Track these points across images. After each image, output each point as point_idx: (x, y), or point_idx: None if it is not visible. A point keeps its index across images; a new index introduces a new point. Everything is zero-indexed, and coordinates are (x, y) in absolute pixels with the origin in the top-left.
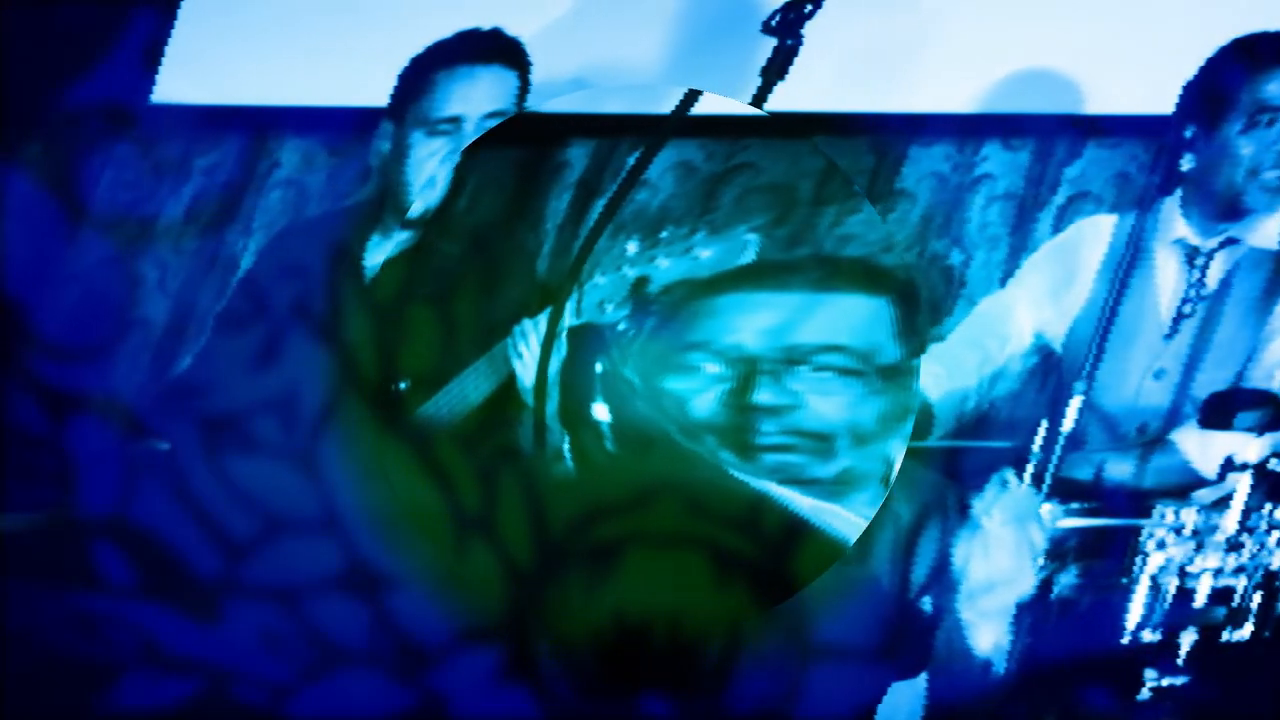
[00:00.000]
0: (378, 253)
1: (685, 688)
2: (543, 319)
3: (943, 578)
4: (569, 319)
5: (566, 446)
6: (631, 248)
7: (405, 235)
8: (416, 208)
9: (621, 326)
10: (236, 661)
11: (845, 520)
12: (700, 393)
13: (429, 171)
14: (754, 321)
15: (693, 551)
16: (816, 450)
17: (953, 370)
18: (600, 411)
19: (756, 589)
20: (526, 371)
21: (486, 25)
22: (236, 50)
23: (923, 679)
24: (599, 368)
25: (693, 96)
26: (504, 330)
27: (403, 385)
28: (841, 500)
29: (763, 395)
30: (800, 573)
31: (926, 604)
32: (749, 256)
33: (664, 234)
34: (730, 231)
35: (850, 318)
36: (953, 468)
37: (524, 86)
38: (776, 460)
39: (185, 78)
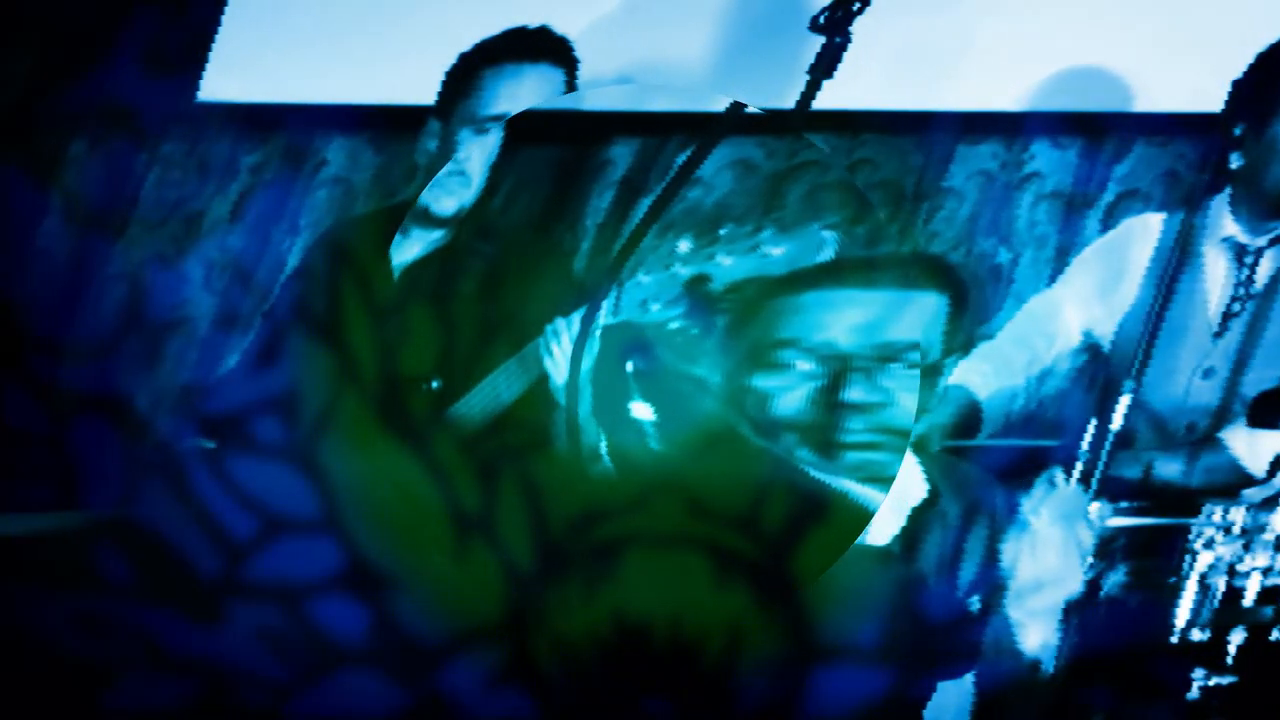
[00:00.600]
0: (404, 251)
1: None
2: (576, 318)
3: (991, 577)
4: (605, 318)
5: (604, 446)
6: (684, 246)
7: (436, 234)
8: (450, 206)
9: (675, 325)
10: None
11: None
12: (788, 390)
13: (476, 169)
14: (844, 318)
15: (733, 550)
16: (900, 448)
17: (1001, 369)
18: (641, 410)
19: (803, 588)
20: (558, 370)
21: (534, 23)
22: (284, 48)
23: (970, 678)
24: (641, 366)
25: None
26: (537, 329)
27: (434, 384)
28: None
29: (854, 393)
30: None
31: (974, 603)
32: (827, 254)
33: (723, 231)
34: (803, 229)
35: (922, 315)
36: (1001, 466)
37: (570, 84)
38: (861, 458)
39: (232, 76)
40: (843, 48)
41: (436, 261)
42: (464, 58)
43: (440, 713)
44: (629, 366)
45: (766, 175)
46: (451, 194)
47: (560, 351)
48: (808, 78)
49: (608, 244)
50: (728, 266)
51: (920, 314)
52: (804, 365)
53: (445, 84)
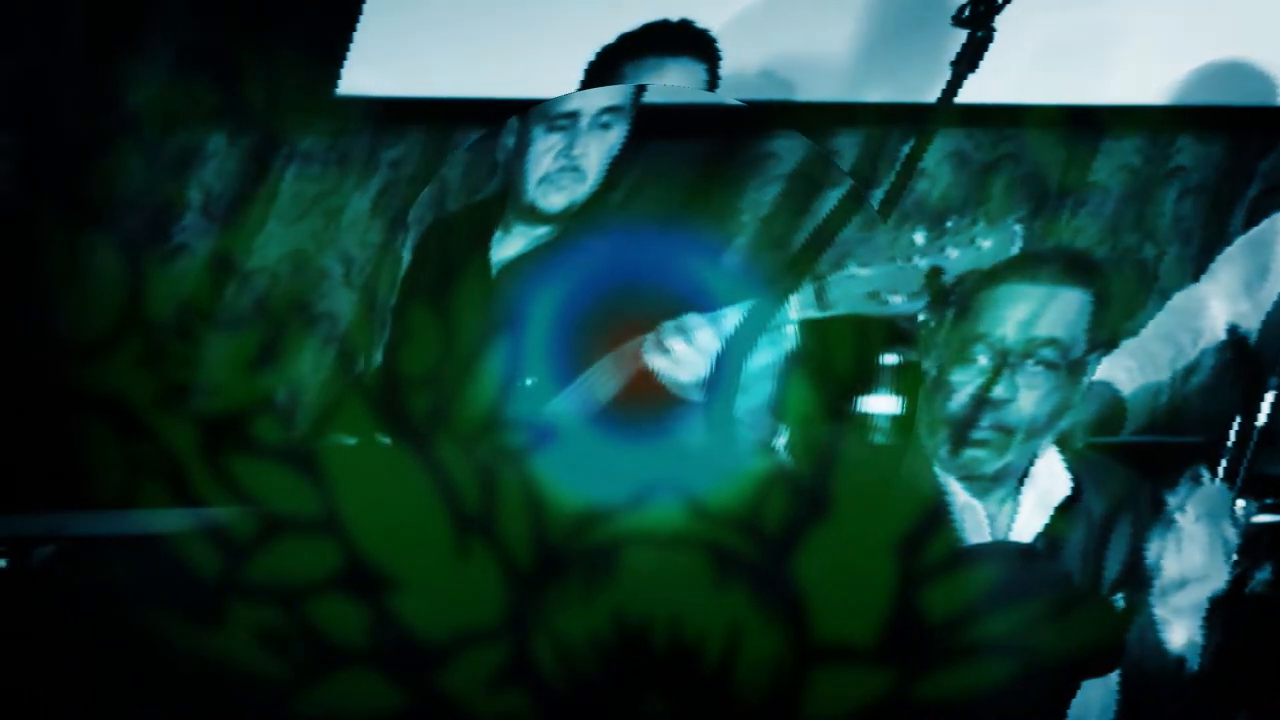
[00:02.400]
0: (505, 248)
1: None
2: (731, 312)
3: (1135, 574)
4: (805, 311)
5: (784, 440)
6: (919, 238)
7: (541, 231)
8: (559, 202)
9: (921, 318)
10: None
11: (980, 520)
12: (968, 385)
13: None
14: (1015, 313)
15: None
16: (1000, 445)
17: (1146, 365)
18: (881, 404)
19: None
20: (685, 368)
21: (675, 17)
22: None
23: (1115, 676)
24: (893, 359)
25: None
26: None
27: (529, 381)
28: (983, 498)
29: (998, 389)
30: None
31: (1119, 600)
32: (1016, 247)
33: (949, 224)
34: (1003, 222)
35: (1064, 310)
36: (1145, 463)
37: (712, 78)
38: (970, 455)
39: (371, 69)
40: (986, 42)
41: (540, 257)
42: (605, 52)
43: (440, 713)
44: (889, 359)
45: (976, 168)
46: (562, 190)
47: (690, 347)
48: (951, 72)
49: (778, 237)
50: (955, 260)
51: (1065, 310)
52: (983, 360)
53: (586, 79)
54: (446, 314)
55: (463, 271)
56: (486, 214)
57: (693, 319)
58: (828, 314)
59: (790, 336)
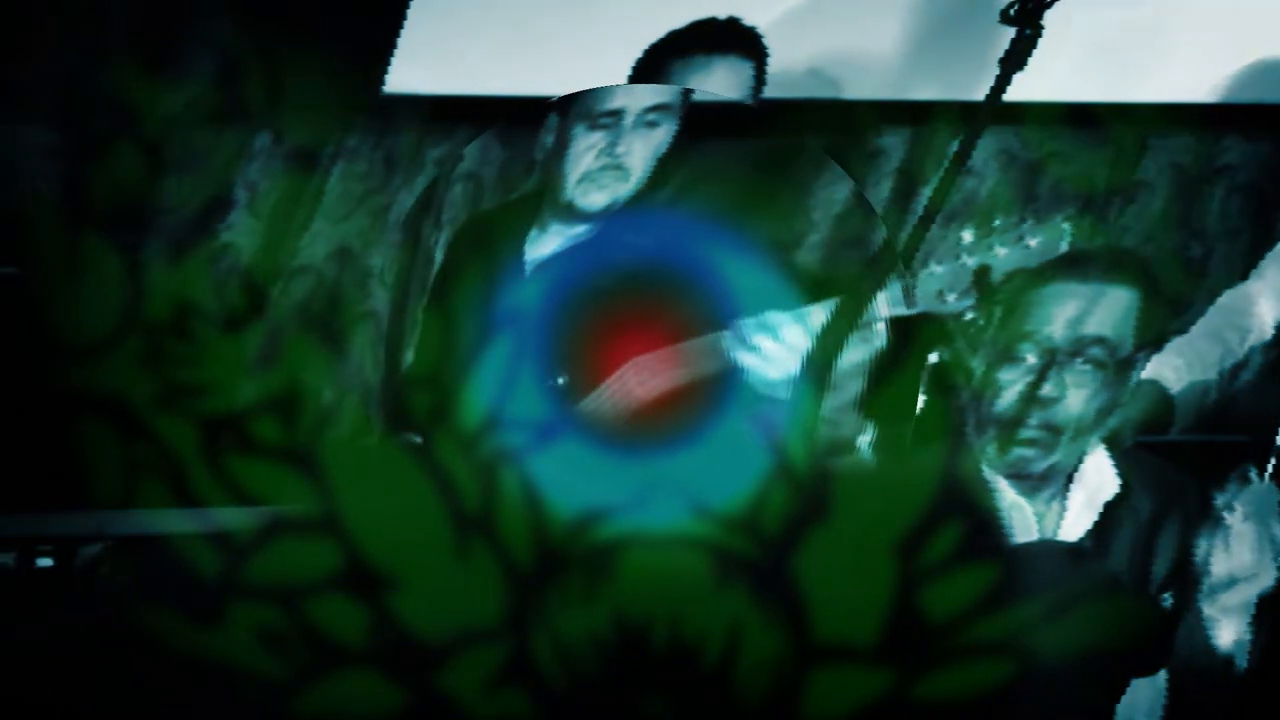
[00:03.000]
0: (540, 247)
1: None
2: (818, 309)
3: (1183, 573)
4: (893, 309)
5: (868, 439)
6: (967, 236)
7: (579, 229)
8: (600, 201)
9: (968, 316)
10: None
11: (1028, 519)
12: (1015, 384)
13: (638, 163)
14: (1063, 312)
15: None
16: (1048, 444)
17: (1193, 363)
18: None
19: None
20: (774, 365)
21: (722, 14)
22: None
23: (1163, 676)
24: (936, 357)
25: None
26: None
27: (560, 380)
28: (1031, 497)
29: (1047, 388)
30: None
31: (1167, 599)
32: (1064, 245)
33: (997, 222)
34: (1051, 220)
35: (1112, 309)
36: (1193, 462)
37: (760, 76)
38: (1018, 454)
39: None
40: (1034, 40)
41: (574, 256)
42: (652, 50)
43: (440, 713)
44: (932, 358)
45: (1023, 166)
46: (604, 189)
47: (777, 344)
48: (998, 70)
49: (850, 236)
50: (1003, 258)
51: (1113, 308)
52: (1031, 359)
53: (633, 75)
54: (476, 314)
55: (496, 271)
56: (522, 212)
57: (776, 315)
58: (913, 312)
59: (880, 334)
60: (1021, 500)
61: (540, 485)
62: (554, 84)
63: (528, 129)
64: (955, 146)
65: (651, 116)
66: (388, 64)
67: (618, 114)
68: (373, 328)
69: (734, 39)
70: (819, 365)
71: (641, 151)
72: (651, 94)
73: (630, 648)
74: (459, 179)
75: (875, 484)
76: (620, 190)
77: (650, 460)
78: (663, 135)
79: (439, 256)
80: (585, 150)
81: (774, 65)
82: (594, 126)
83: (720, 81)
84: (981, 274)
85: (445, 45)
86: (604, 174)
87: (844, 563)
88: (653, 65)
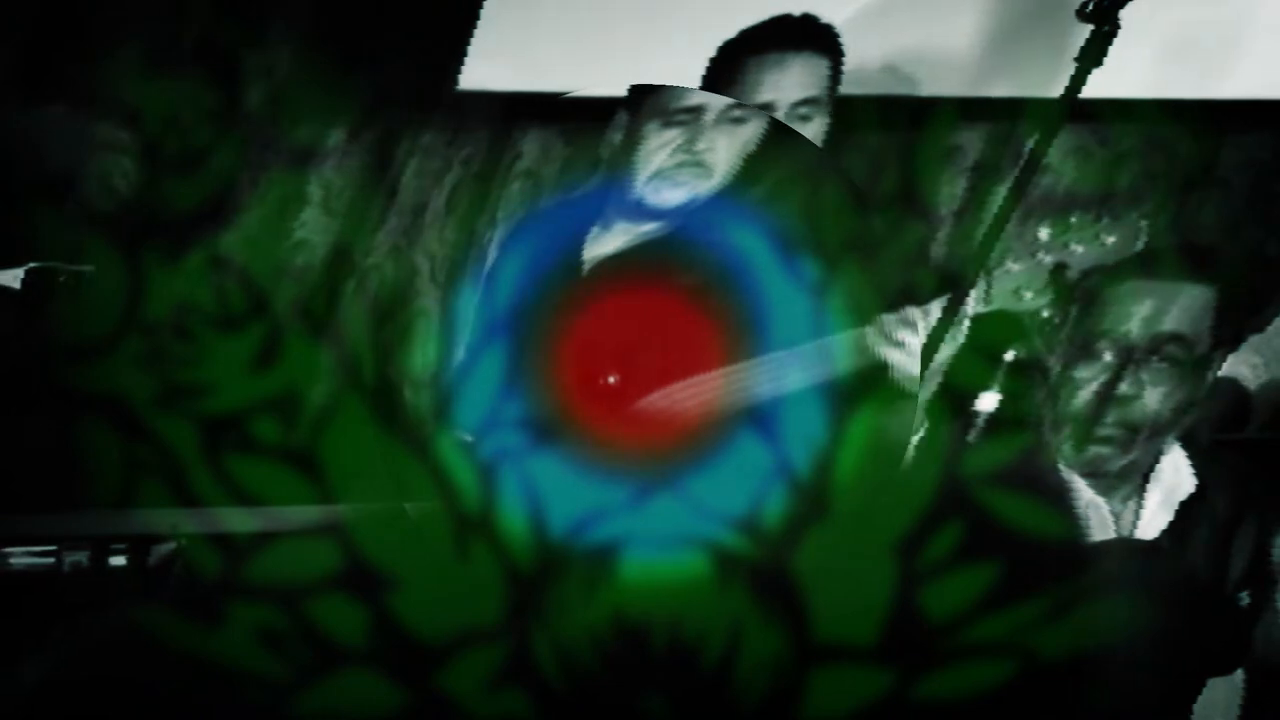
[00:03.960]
0: (601, 244)
1: None
2: (935, 306)
3: (1260, 572)
4: (975, 306)
5: (920, 437)
6: (1043, 233)
7: (648, 227)
8: (677, 198)
9: (1045, 314)
10: None
11: (1105, 517)
12: (1092, 382)
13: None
14: (1140, 310)
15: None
16: (1125, 443)
17: (1271, 360)
18: (987, 401)
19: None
20: (907, 360)
21: (797, 11)
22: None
23: (1240, 675)
24: (1010, 355)
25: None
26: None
27: (611, 379)
28: (1108, 495)
29: (1123, 386)
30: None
31: (1243, 598)
32: (1141, 242)
33: (1074, 219)
34: (1128, 217)
35: (1189, 306)
36: (1271, 460)
37: (835, 73)
38: (1095, 452)
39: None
40: (1111, 36)
41: (647, 253)
42: (726, 47)
43: (440, 713)
44: (1008, 355)
45: (1100, 163)
46: (681, 186)
47: (910, 340)
48: (1075, 67)
49: (967, 231)
50: (1080, 255)
51: (1190, 306)
52: (1108, 356)
53: (707, 73)
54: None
55: (551, 269)
56: (584, 210)
57: (912, 311)
58: (989, 309)
59: (964, 331)
60: (1098, 498)
61: (575, 485)
62: (627, 82)
63: (593, 126)
64: (1032, 144)
65: (737, 113)
66: (462, 60)
67: (697, 110)
68: (425, 326)
69: (809, 36)
70: (925, 362)
71: (726, 149)
72: (801, 87)
73: (632, 647)
74: (517, 176)
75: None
76: (700, 187)
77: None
78: (750, 132)
79: (492, 254)
80: (660, 147)
81: (849, 62)
82: (672, 123)
83: (795, 78)
84: (1058, 271)
85: (520, 42)
86: (683, 170)
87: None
88: (727, 62)
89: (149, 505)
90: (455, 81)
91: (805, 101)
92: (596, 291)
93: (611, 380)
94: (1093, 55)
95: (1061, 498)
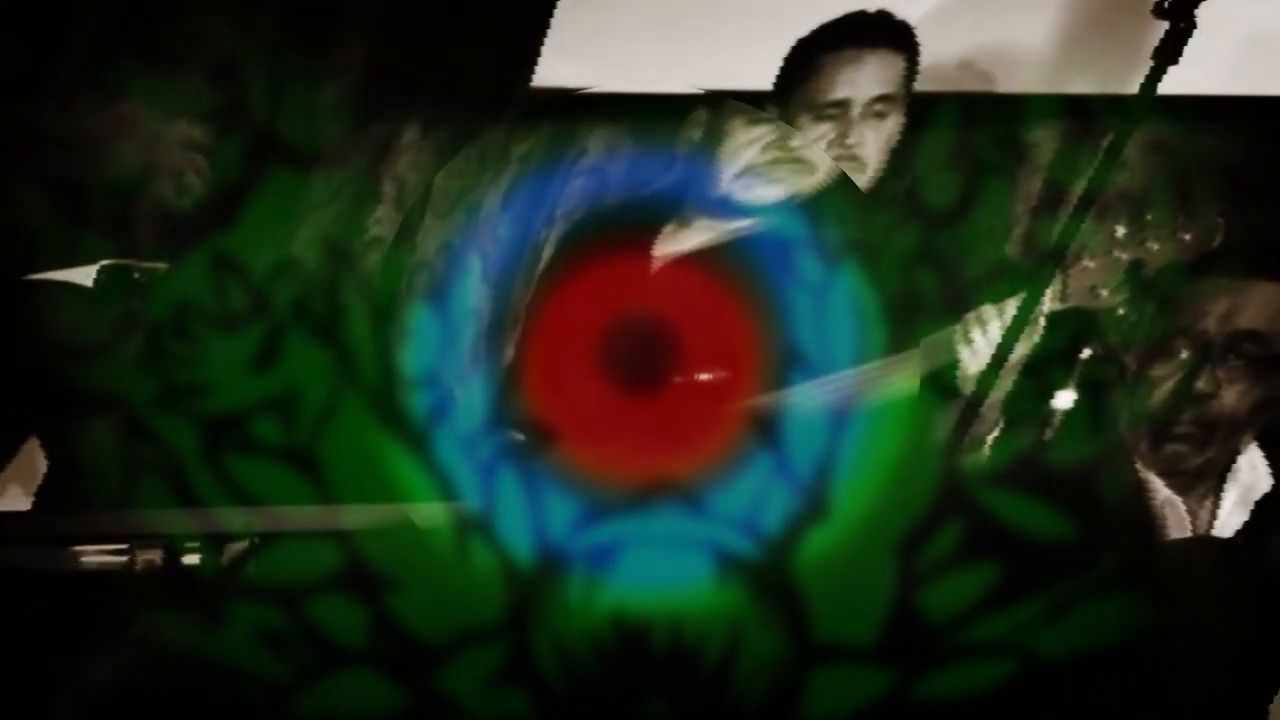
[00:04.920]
0: (684, 240)
1: None
2: (1011, 304)
3: None
4: (1052, 304)
5: (994, 435)
6: (1120, 231)
7: (741, 224)
8: (771, 194)
9: (1122, 311)
10: None
11: (1181, 516)
12: (1168, 380)
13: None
14: (1216, 307)
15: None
16: (1201, 441)
17: None
18: (1063, 400)
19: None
20: (977, 358)
21: (873, 8)
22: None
23: None
24: (1086, 353)
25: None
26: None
27: (709, 376)
28: (1185, 494)
29: (1200, 384)
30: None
31: None
32: (1218, 240)
33: (1150, 216)
34: (1204, 214)
35: (1266, 304)
36: None
37: (911, 70)
38: (1172, 450)
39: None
40: (1187, 33)
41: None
42: (801, 43)
43: (440, 713)
44: (1084, 353)
45: (1177, 160)
46: (776, 182)
47: (984, 338)
48: (1152, 63)
49: (1042, 229)
50: (1156, 252)
51: (1267, 303)
52: (1184, 355)
53: (782, 70)
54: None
55: (621, 264)
56: (655, 207)
57: (988, 310)
58: (1065, 307)
59: (1039, 330)
60: (1174, 497)
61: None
62: (703, 79)
63: (664, 124)
64: (1109, 141)
65: (879, 107)
66: (535, 58)
67: (844, 104)
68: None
69: (885, 33)
70: (999, 360)
71: (874, 142)
72: (877, 84)
73: (630, 648)
74: (580, 174)
75: None
76: (796, 183)
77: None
78: (892, 126)
79: (549, 252)
80: (750, 143)
81: (925, 59)
82: (820, 118)
83: (871, 75)
84: (1135, 269)
85: (594, 39)
86: (776, 167)
87: None
88: (802, 59)
89: (223, 504)
90: (528, 79)
91: (881, 99)
92: (676, 287)
93: (710, 377)
94: (1169, 52)
95: (1138, 496)
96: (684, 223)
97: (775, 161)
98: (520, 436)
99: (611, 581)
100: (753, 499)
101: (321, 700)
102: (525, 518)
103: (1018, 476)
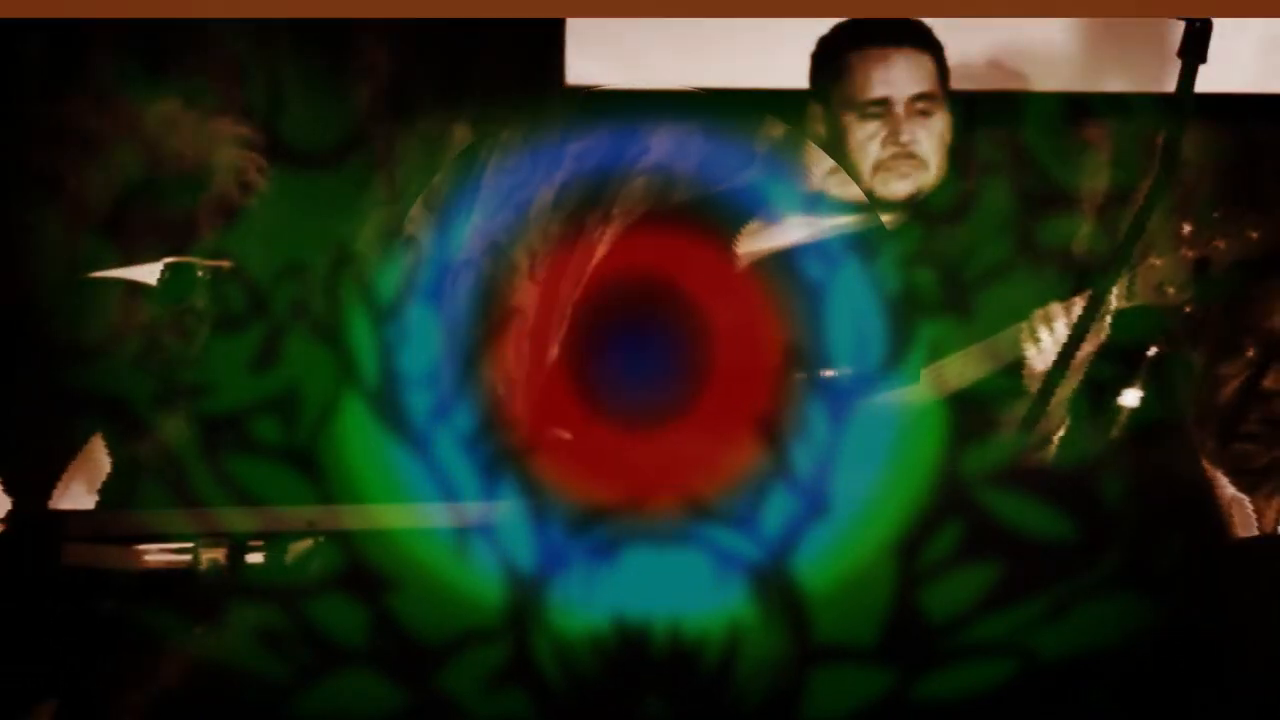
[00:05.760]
0: (764, 240)
1: None
2: (1079, 302)
3: None
4: (1118, 302)
5: (1061, 434)
6: (1186, 228)
7: (839, 220)
8: (903, 188)
9: (1189, 309)
10: None
11: (1248, 514)
12: (1236, 377)
13: (872, 155)
14: None
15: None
16: (1269, 439)
17: None
18: (1130, 398)
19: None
20: (1043, 356)
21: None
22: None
23: None
24: (1153, 352)
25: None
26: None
27: (832, 372)
28: (1252, 492)
29: (1268, 381)
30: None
31: None
32: None
33: (1216, 214)
34: (1272, 212)
35: None
36: None
37: (941, 68)
38: (1239, 448)
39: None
40: (1206, 30)
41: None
42: (825, 41)
43: (440, 713)
44: (1150, 351)
45: (1238, 157)
46: (905, 178)
47: (1050, 336)
48: (1181, 62)
49: (1111, 227)
50: (1223, 250)
51: None
52: (1251, 352)
53: (813, 68)
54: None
55: (699, 262)
56: (736, 204)
57: (1055, 308)
58: (1132, 305)
59: (1105, 329)
60: (1241, 495)
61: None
62: (733, 77)
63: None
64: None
65: (921, 105)
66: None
67: (885, 103)
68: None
69: (906, 32)
70: (1065, 357)
71: (928, 140)
72: (911, 82)
73: (630, 648)
74: (640, 172)
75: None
76: (922, 179)
77: None
78: (941, 124)
79: (603, 250)
80: (867, 139)
81: (955, 57)
82: (865, 116)
83: (904, 73)
84: (1202, 266)
85: (624, 37)
86: (899, 163)
87: None
88: (831, 58)
89: (284, 501)
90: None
91: (921, 97)
92: (765, 285)
93: (826, 374)
94: (1193, 50)
95: (1205, 494)
96: (771, 219)
97: (896, 157)
98: (562, 434)
99: (611, 582)
100: (761, 502)
101: (321, 700)
102: (525, 518)
103: (1082, 474)
